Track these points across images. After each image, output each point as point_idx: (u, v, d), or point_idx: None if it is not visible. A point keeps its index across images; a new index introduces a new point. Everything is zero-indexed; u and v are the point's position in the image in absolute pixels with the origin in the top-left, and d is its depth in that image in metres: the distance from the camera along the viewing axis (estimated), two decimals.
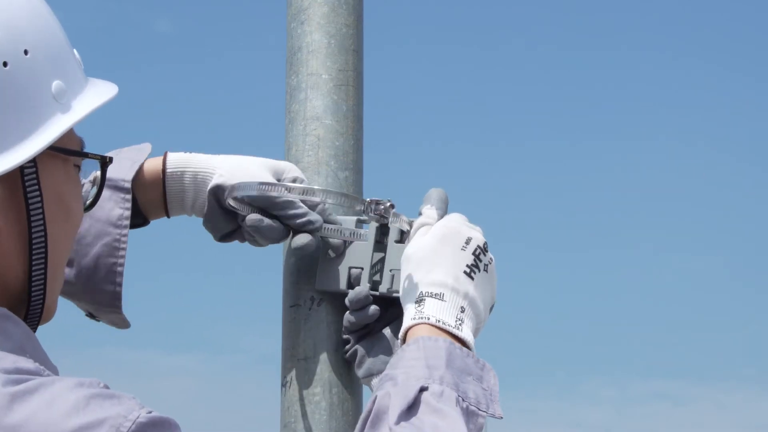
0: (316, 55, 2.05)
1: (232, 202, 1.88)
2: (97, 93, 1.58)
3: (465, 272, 1.72)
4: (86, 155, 1.58)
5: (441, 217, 1.79)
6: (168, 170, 1.94)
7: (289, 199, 1.88)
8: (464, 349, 1.66)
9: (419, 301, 1.71)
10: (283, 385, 1.98)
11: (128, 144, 1.99)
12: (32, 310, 1.54)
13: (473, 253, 1.73)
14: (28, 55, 1.49)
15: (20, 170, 1.48)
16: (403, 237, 1.87)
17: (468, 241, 1.73)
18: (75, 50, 1.59)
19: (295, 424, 1.95)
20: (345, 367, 1.95)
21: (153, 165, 1.95)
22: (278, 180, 1.94)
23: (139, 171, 1.93)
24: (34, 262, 1.52)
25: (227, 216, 1.93)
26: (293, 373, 1.96)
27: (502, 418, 1.61)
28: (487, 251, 1.75)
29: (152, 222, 1.99)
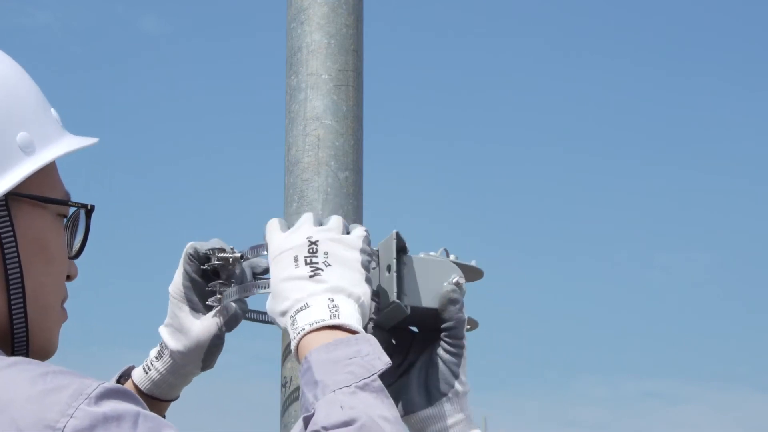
0: (316, 55, 2.05)
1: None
2: (70, 143, 1.65)
3: (311, 277, 1.73)
4: (65, 203, 1.64)
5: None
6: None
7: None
8: (330, 344, 1.65)
9: (292, 321, 1.72)
10: (283, 385, 1.98)
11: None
12: (17, 346, 1.61)
13: (305, 264, 1.74)
14: None
15: None
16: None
17: (296, 258, 1.75)
18: (53, 109, 1.67)
19: (295, 424, 1.94)
20: None
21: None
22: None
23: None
24: (12, 299, 1.59)
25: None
26: (293, 373, 1.96)
27: (390, 364, 1.64)
28: (316, 252, 1.75)
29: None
